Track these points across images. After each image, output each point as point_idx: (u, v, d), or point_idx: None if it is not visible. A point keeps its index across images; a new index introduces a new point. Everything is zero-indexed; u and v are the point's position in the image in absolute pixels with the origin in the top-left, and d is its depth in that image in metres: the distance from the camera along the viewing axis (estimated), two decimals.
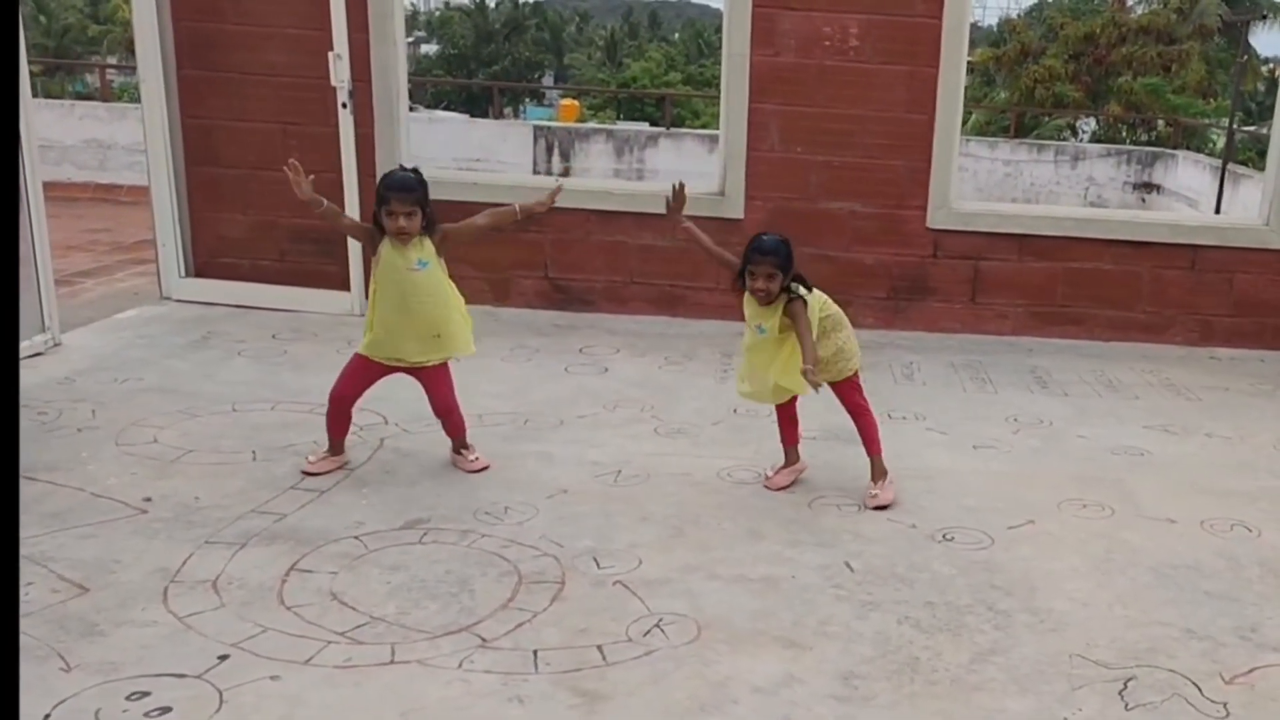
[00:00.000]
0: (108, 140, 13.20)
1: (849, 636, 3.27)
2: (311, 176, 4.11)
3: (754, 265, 4.08)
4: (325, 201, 4.18)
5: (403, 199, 4.10)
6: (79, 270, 8.32)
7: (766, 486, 4.35)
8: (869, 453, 4.33)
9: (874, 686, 3.02)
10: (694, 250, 4.51)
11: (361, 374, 4.31)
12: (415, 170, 4.28)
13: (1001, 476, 4.65)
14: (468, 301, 6.79)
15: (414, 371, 4.33)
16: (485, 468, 4.40)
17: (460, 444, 4.46)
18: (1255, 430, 5.44)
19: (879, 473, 4.31)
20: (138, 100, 6.98)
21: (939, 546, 3.92)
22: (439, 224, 4.25)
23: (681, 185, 4.38)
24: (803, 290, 4.10)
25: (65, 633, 3.07)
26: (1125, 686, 3.07)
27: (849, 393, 4.31)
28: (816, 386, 4.01)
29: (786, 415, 4.42)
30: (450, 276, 4.32)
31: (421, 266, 4.17)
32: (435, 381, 4.37)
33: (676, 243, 6.89)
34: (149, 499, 3.98)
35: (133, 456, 4.38)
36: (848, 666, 3.11)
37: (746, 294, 4.19)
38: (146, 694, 2.82)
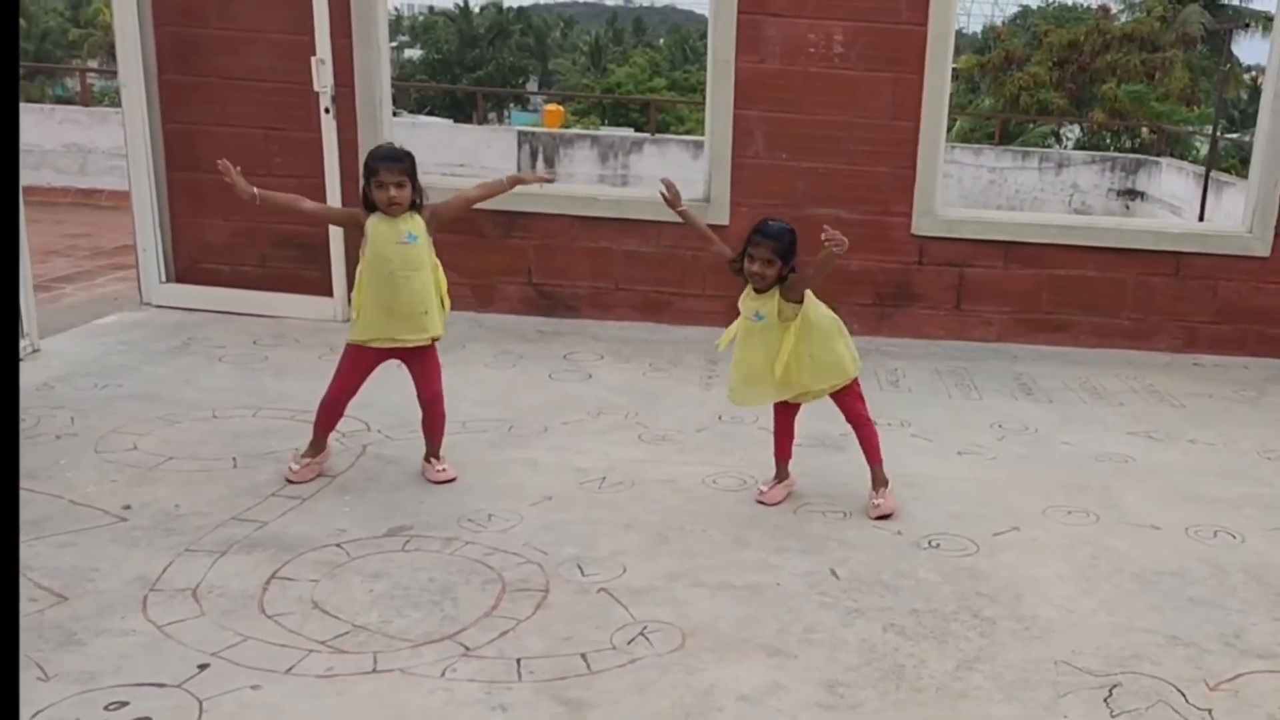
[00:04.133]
0: (88, 145, 13.11)
1: (834, 644, 3.26)
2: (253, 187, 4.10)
3: (754, 248, 4.04)
4: (259, 193, 4.11)
5: (391, 168, 4.07)
6: (58, 275, 8.26)
7: (761, 500, 4.30)
8: (870, 462, 4.31)
9: (859, 694, 3.01)
10: (690, 236, 4.49)
11: (353, 366, 4.25)
12: (402, 146, 4.24)
13: (987, 483, 4.65)
14: (452, 307, 6.82)
15: (405, 357, 4.29)
16: (452, 479, 4.34)
17: (434, 449, 4.40)
18: (1239, 437, 5.45)
19: (880, 481, 4.29)
20: (118, 105, 6.93)
21: (924, 553, 3.92)
22: (427, 201, 4.22)
23: (669, 183, 4.36)
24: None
25: (43, 642, 3.04)
26: (1110, 693, 3.06)
27: (852, 401, 4.28)
28: (831, 236, 3.92)
29: (784, 428, 4.37)
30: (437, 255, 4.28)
31: (411, 240, 4.12)
32: (426, 366, 4.33)
33: (662, 248, 6.91)
34: (128, 506, 3.95)
35: (112, 464, 4.34)
36: (833, 674, 3.10)
37: (745, 288, 4.14)
38: (125, 704, 2.79)
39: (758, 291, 4.12)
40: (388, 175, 4.06)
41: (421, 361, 4.32)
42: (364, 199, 4.15)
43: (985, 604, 3.55)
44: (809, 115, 6.70)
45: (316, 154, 6.42)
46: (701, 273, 6.88)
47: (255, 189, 4.12)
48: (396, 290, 4.13)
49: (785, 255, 4.04)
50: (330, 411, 4.30)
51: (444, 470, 4.36)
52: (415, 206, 4.17)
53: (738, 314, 4.21)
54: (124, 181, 6.98)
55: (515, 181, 4.44)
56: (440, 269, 4.27)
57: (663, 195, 4.35)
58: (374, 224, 4.12)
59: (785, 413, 4.35)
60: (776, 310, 4.08)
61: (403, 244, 4.11)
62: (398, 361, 4.31)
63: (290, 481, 4.20)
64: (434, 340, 4.29)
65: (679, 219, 4.39)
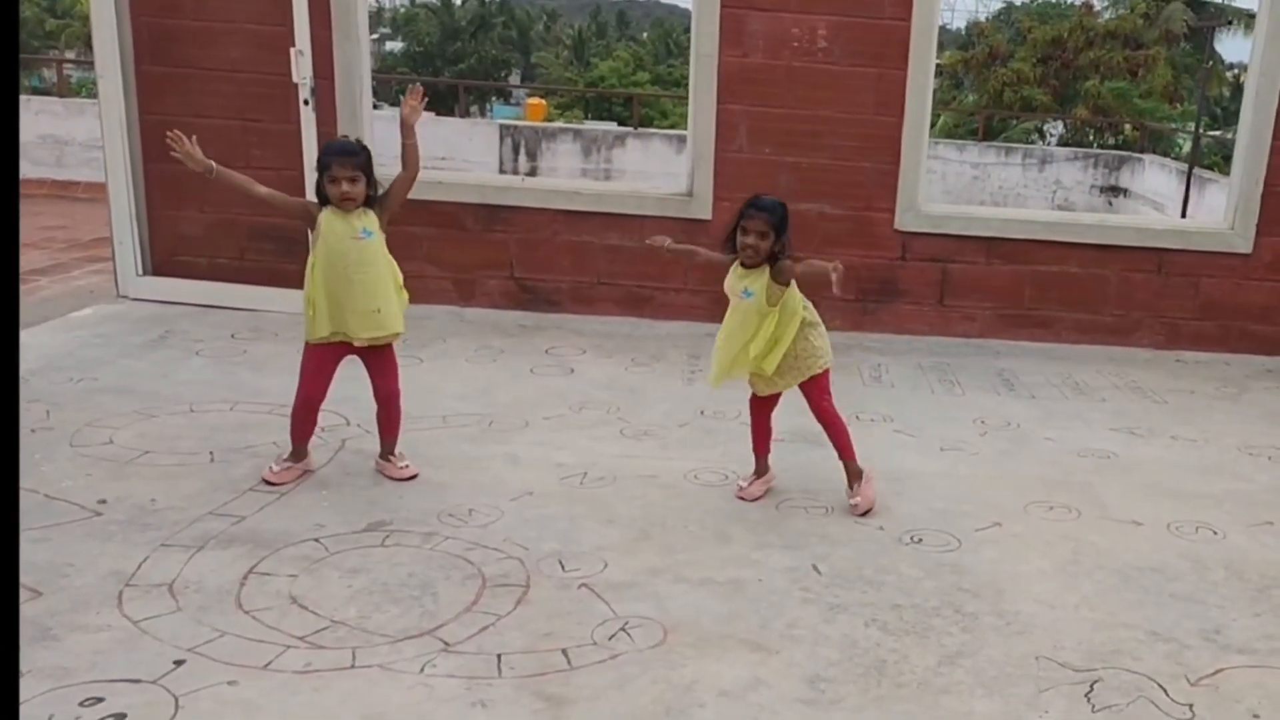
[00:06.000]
0: (65, 136, 13.01)
1: (816, 639, 3.25)
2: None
3: (747, 220, 4.01)
4: (216, 167, 4.02)
5: (344, 163, 3.98)
6: (34, 268, 8.18)
7: (741, 497, 4.29)
8: (843, 457, 4.28)
9: (841, 689, 3.00)
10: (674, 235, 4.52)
11: (317, 366, 4.15)
12: (358, 140, 4.15)
13: (969, 479, 4.64)
14: (432, 301, 6.85)
15: (362, 354, 4.19)
16: (414, 475, 4.27)
17: (389, 448, 4.32)
18: (1220, 433, 5.46)
19: (854, 475, 4.26)
20: (95, 96, 6.87)
21: (906, 549, 3.91)
22: (381, 196, 4.13)
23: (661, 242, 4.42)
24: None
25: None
26: (1091, 689, 3.07)
27: (818, 396, 4.24)
28: (839, 277, 3.92)
29: (762, 425, 4.35)
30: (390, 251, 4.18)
31: (367, 236, 4.04)
32: (383, 363, 4.23)
33: (644, 243, 6.85)
34: (104, 501, 3.91)
35: (88, 458, 4.30)
36: (814, 669, 3.09)
37: (732, 266, 4.12)
38: (100, 700, 2.76)
39: (746, 267, 4.08)
40: (340, 170, 3.97)
41: (378, 359, 4.23)
42: (318, 192, 4.06)
43: (967, 599, 3.55)
44: (792, 110, 6.68)
45: (295, 146, 6.37)
46: (684, 268, 6.86)
47: (212, 162, 4.04)
48: (351, 286, 4.04)
49: (778, 228, 4.01)
50: (304, 418, 4.21)
51: (406, 467, 4.29)
52: (370, 202, 4.08)
53: (720, 311, 4.19)
54: (101, 173, 6.92)
55: (405, 127, 4.16)
56: (394, 263, 4.18)
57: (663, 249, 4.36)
58: (328, 218, 4.04)
59: (762, 409, 4.34)
60: (765, 290, 4.05)
61: (358, 240, 4.03)
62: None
63: (268, 482, 4.15)
64: (393, 338, 4.20)
65: (660, 213, 4.36)
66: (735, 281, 4.12)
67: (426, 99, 4.24)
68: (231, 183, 4.12)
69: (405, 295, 4.23)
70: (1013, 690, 3.04)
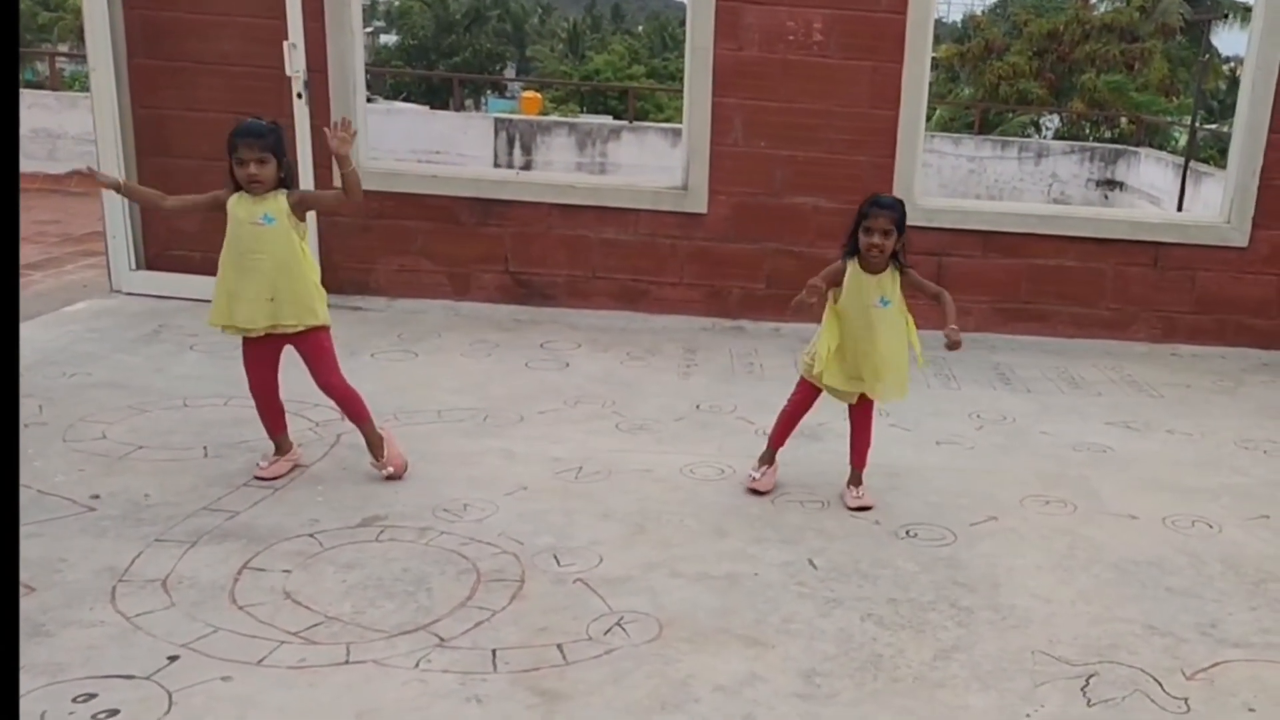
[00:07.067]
0: (57, 130, 12.92)
1: (812, 634, 3.24)
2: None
3: (870, 220, 3.93)
4: (124, 183, 3.99)
5: (250, 144, 3.86)
6: (27, 262, 8.12)
7: (754, 489, 4.26)
8: (857, 464, 4.28)
9: (837, 684, 2.99)
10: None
11: (249, 357, 4.09)
12: (271, 120, 4.04)
13: (965, 473, 4.64)
14: (426, 295, 6.83)
15: (296, 347, 4.08)
16: (389, 476, 4.17)
17: (370, 442, 4.20)
18: (1217, 427, 5.46)
19: (858, 480, 4.26)
20: (88, 89, 6.84)
21: (902, 543, 3.90)
22: (296, 183, 4.00)
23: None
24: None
25: None
26: (1087, 683, 3.06)
27: (870, 405, 4.26)
28: (957, 344, 3.92)
29: (798, 419, 4.32)
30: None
31: (267, 221, 3.92)
32: (310, 354, 4.11)
33: (639, 237, 6.86)
34: (97, 496, 3.90)
35: (80, 453, 4.29)
36: (810, 664, 3.08)
37: (850, 271, 4.00)
38: (94, 695, 2.75)
39: (872, 272, 4.00)
40: (247, 152, 3.86)
41: (306, 351, 4.11)
42: (231, 178, 3.94)
43: (963, 594, 3.55)
44: (788, 103, 6.66)
45: (289, 140, 6.34)
46: (680, 261, 6.85)
47: (120, 179, 4.02)
48: (244, 273, 3.94)
49: (900, 226, 3.96)
50: (262, 408, 4.15)
51: (388, 471, 4.18)
52: (284, 184, 3.98)
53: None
54: (94, 167, 6.88)
55: (338, 158, 3.96)
56: (308, 255, 4.07)
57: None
58: (234, 204, 3.95)
59: (807, 402, 4.29)
60: (899, 291, 4.01)
61: (256, 225, 3.92)
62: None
63: (260, 478, 4.12)
64: (294, 329, 4.03)
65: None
66: (867, 290, 3.99)
67: (356, 133, 4.06)
68: (141, 198, 4.12)
69: (322, 293, 4.09)
70: (1008, 684, 3.04)
